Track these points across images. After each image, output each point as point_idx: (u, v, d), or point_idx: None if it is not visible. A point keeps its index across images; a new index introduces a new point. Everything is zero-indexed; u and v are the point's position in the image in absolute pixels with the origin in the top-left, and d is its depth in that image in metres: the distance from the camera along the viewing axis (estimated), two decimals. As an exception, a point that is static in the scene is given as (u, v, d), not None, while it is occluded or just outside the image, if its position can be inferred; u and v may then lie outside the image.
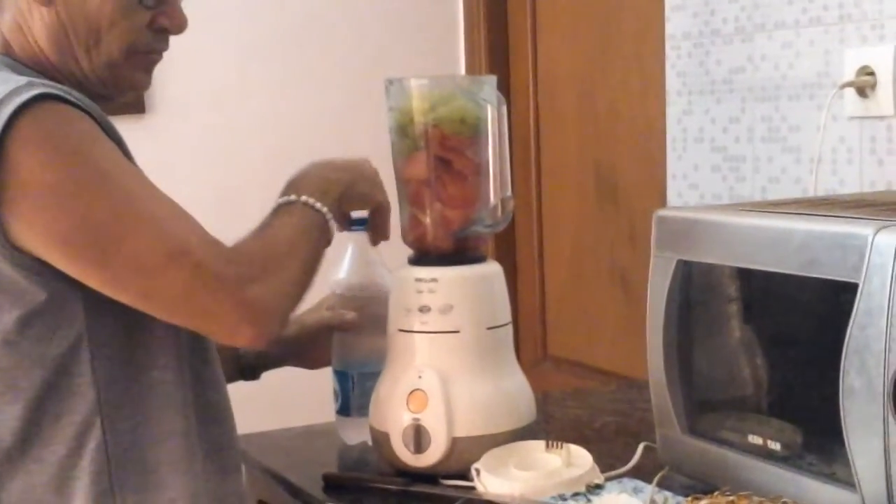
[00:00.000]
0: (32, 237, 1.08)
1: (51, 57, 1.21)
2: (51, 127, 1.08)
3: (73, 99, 1.11)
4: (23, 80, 1.10)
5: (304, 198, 1.23)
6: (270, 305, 1.13)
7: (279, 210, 1.23)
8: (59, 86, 1.12)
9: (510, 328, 1.40)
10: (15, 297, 1.10)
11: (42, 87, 1.09)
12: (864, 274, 0.99)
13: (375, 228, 1.37)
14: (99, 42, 1.20)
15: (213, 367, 1.25)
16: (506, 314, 1.39)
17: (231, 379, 1.41)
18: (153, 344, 1.17)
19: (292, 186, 1.26)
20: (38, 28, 1.20)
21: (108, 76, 1.23)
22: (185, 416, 1.19)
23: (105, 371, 1.14)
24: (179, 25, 1.25)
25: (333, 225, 1.26)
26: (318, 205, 1.23)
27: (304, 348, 1.48)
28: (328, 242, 1.25)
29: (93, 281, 1.10)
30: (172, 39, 1.26)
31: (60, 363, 1.12)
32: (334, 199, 1.26)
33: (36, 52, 1.21)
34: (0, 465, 1.12)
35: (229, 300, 1.10)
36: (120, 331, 1.14)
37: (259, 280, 1.13)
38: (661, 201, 1.93)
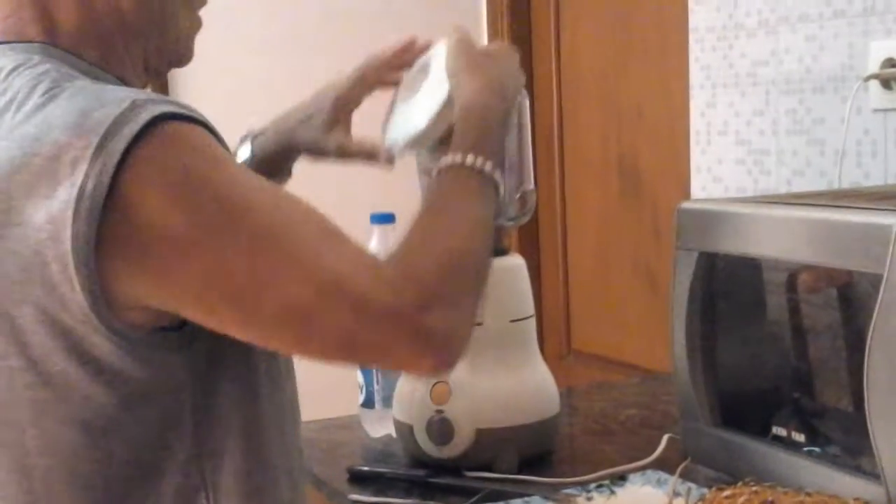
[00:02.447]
0: (157, 293, 0.90)
1: (130, 21, 1.02)
2: (172, 159, 0.88)
3: (186, 112, 0.91)
4: (125, 97, 0.89)
5: (469, 159, 1.03)
6: (453, 329, 0.94)
7: (447, 180, 1.03)
8: (165, 98, 0.93)
9: (533, 321, 1.40)
10: (112, 379, 0.92)
11: (149, 104, 0.89)
12: (888, 265, 0.99)
13: None
14: (191, 3, 1.07)
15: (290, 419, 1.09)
16: (529, 307, 1.40)
17: None
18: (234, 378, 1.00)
19: (460, 139, 1.06)
20: None
21: (182, 49, 1.08)
22: (284, 473, 1.04)
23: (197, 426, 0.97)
24: None
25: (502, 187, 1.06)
26: (488, 167, 1.03)
27: (314, 127, 1.31)
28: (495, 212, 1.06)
29: (235, 334, 0.92)
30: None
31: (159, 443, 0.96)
32: (494, 148, 1.07)
33: (103, 24, 1.00)
34: None
35: (403, 333, 0.91)
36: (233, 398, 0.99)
37: (437, 302, 0.92)
38: (685, 195, 1.93)
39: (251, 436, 0.99)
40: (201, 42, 1.16)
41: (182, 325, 0.94)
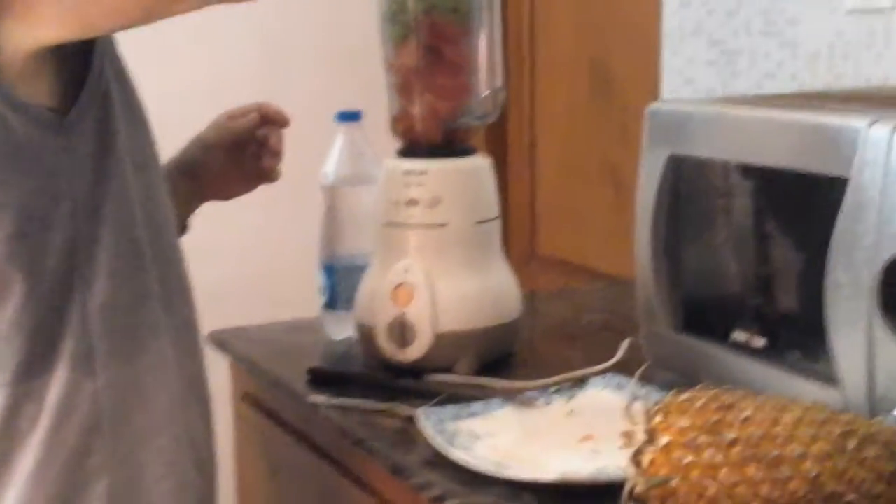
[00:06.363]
0: (33, 25, 0.99)
1: None
2: None
3: None
4: None
5: None
6: None
7: None
8: None
9: (498, 223, 1.38)
10: None
11: None
12: (855, 166, 0.97)
13: None
14: None
15: (173, 242, 1.19)
16: (494, 209, 1.38)
17: None
18: (121, 197, 1.09)
19: None
20: None
21: None
22: (157, 279, 1.13)
23: (77, 223, 1.06)
24: None
25: None
26: None
27: (210, 169, 1.37)
28: None
29: (103, 18, 1.01)
30: None
31: (31, 216, 1.04)
32: None
33: None
34: None
35: None
36: (91, 184, 1.07)
37: None
38: (656, 97, 1.90)
39: (125, 225, 1.08)
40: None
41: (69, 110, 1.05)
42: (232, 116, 1.39)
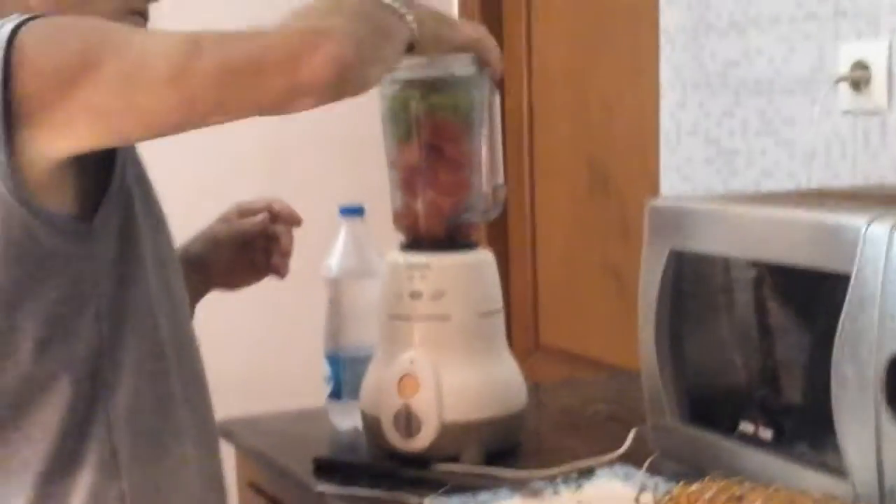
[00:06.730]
0: (66, 136, 1.00)
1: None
2: (38, 37, 1.00)
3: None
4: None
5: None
6: (326, 30, 1.02)
7: None
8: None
9: (501, 315, 1.40)
10: (21, 253, 1.02)
11: (16, 18, 1.01)
12: (856, 264, 0.99)
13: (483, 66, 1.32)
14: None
15: (192, 337, 1.21)
16: (497, 301, 1.40)
17: None
18: (144, 299, 1.11)
19: None
20: None
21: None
22: (178, 379, 1.14)
23: (101, 328, 1.08)
24: None
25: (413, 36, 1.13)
26: (409, 17, 1.12)
27: (218, 263, 1.39)
28: (400, 53, 1.13)
29: (137, 130, 1.03)
30: None
31: (59, 323, 1.05)
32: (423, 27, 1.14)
33: None
34: None
35: (279, 44, 1.02)
36: (115, 289, 1.08)
37: (293, 24, 1.03)
38: (654, 194, 1.93)
39: (147, 327, 1.10)
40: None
41: (92, 217, 1.06)
42: (242, 212, 1.41)
